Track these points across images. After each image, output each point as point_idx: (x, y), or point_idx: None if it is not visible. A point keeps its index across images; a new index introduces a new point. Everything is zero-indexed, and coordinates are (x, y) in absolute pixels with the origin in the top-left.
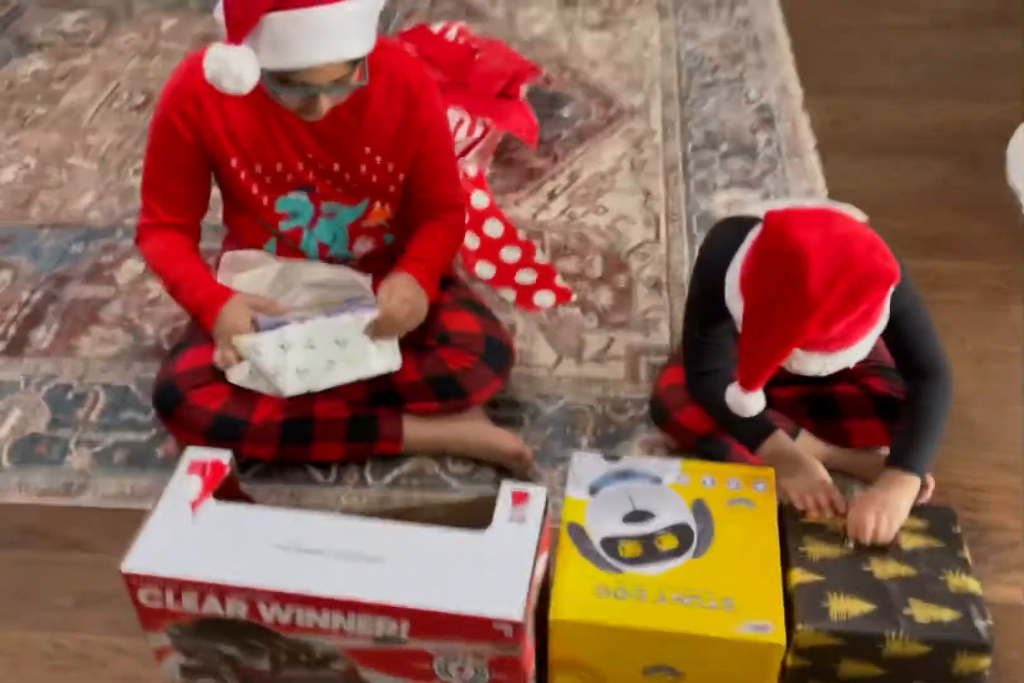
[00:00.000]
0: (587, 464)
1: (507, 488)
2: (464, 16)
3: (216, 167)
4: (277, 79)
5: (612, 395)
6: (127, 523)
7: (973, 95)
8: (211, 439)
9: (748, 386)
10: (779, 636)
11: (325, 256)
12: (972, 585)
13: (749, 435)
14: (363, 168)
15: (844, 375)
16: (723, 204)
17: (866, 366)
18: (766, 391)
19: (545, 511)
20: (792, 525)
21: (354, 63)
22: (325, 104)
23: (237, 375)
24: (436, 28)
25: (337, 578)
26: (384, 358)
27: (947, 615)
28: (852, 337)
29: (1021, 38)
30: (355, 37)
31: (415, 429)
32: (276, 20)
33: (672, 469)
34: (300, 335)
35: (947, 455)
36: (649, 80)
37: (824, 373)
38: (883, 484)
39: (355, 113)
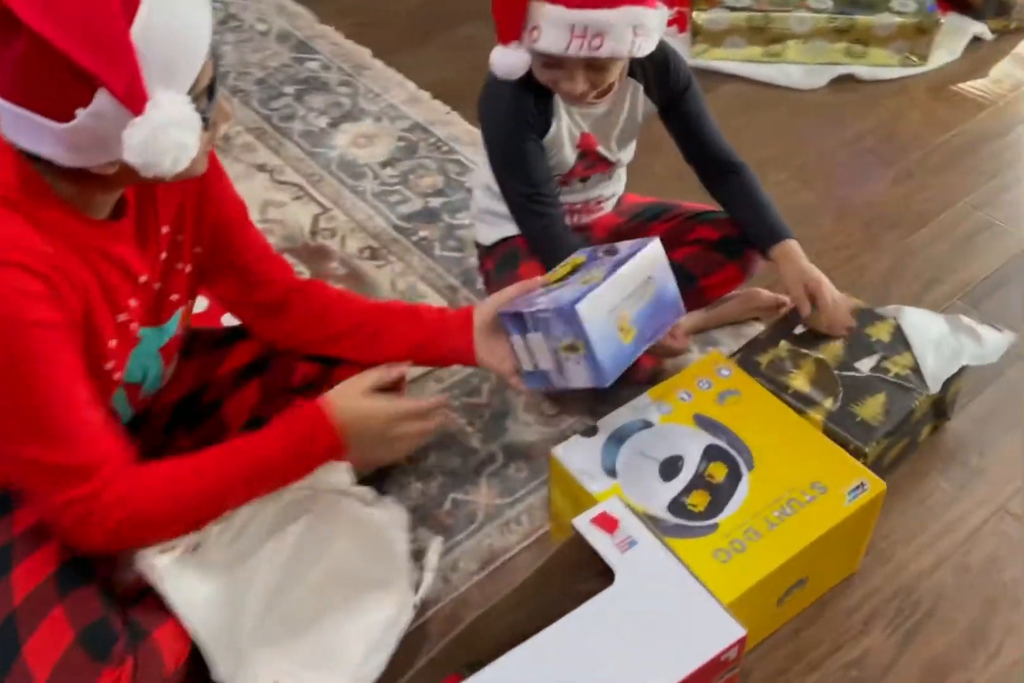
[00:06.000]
0: (576, 455)
1: (582, 523)
2: None
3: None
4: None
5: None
6: None
7: None
8: None
9: (505, 39)
10: (878, 483)
11: (137, 401)
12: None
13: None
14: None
15: (678, 241)
16: (349, 142)
17: (684, 223)
18: None
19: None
20: (763, 384)
21: None
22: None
23: None
24: None
25: None
26: None
27: (910, 362)
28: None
29: None
30: None
31: None
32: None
33: (648, 406)
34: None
35: None
36: None
37: (569, 50)
38: (787, 258)
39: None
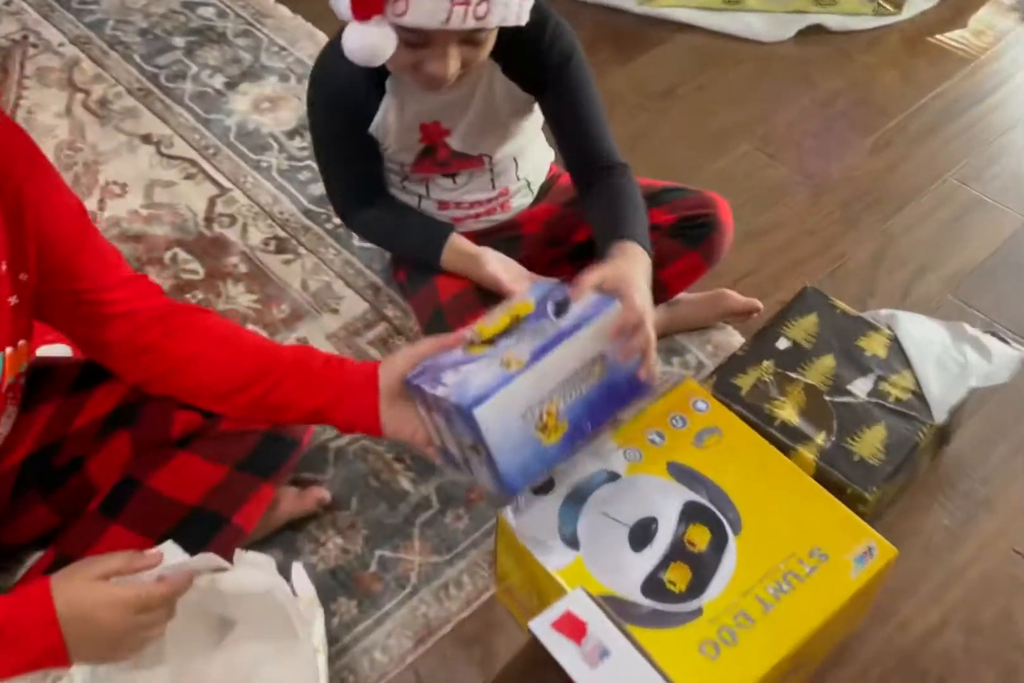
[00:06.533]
0: (530, 519)
1: (541, 627)
2: None
3: None
4: None
5: None
6: None
7: None
8: None
9: (363, 14)
10: (888, 548)
11: None
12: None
13: (430, 245)
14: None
15: None
16: (250, 107)
17: None
18: None
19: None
20: (745, 415)
21: None
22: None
23: None
24: None
25: None
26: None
27: (911, 383)
28: None
29: None
30: None
31: None
32: None
33: (612, 452)
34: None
35: None
36: None
37: (450, 23)
38: (621, 254)
39: None
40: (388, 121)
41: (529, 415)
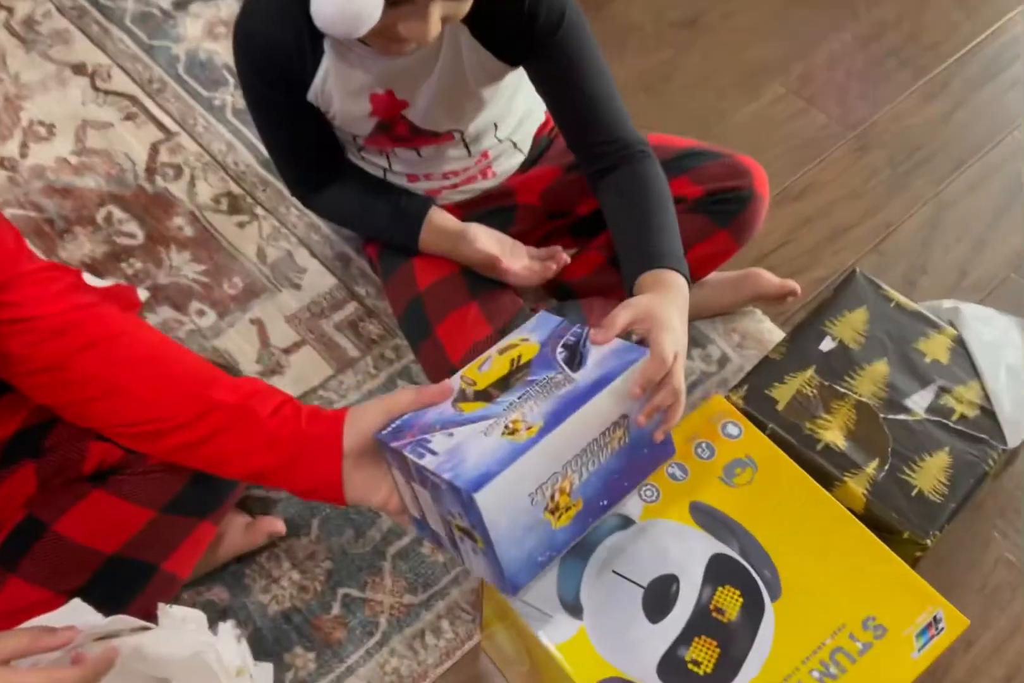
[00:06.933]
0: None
1: None
2: None
3: None
4: None
5: None
6: None
7: None
8: None
9: None
10: (958, 619)
11: None
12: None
13: (404, 225)
14: None
15: None
16: (203, 31)
17: None
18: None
19: None
20: (782, 435)
21: None
22: None
23: None
24: None
25: None
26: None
27: (978, 396)
28: None
29: None
30: None
31: None
32: None
33: None
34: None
35: None
36: None
37: None
38: (650, 287)
39: None
40: (328, 87)
41: (539, 496)
